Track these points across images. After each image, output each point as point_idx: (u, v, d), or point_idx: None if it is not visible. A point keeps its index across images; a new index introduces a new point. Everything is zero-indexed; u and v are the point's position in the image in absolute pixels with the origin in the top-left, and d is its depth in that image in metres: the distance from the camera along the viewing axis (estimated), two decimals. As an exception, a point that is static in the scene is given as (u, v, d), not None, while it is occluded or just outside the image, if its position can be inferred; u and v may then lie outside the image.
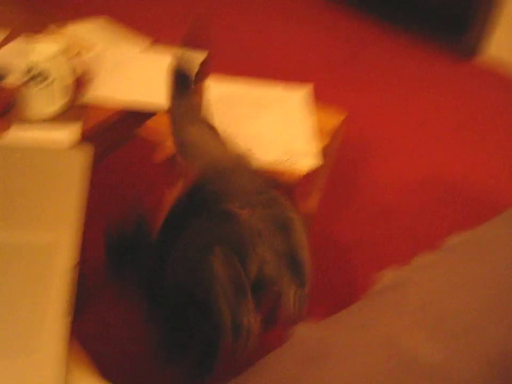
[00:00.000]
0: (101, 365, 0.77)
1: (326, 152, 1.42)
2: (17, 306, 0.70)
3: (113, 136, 1.39)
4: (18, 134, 1.21)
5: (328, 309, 1.68)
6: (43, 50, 1.24)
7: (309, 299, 1.01)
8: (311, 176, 1.37)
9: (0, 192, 0.82)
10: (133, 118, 1.40)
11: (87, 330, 1.54)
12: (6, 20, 1.66)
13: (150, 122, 1.38)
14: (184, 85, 1.23)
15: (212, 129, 1.24)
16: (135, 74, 1.49)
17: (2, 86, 1.38)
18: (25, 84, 1.23)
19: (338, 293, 1.75)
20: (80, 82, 1.39)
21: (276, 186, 1.13)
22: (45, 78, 1.22)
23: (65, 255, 0.75)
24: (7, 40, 1.59)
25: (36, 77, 1.21)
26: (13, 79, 1.41)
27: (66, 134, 1.23)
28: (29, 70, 1.20)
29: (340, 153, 2.11)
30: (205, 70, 1.47)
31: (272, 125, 1.44)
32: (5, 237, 0.75)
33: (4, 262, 0.74)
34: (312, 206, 1.69)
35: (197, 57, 1.38)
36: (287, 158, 1.32)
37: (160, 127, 1.39)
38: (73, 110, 1.31)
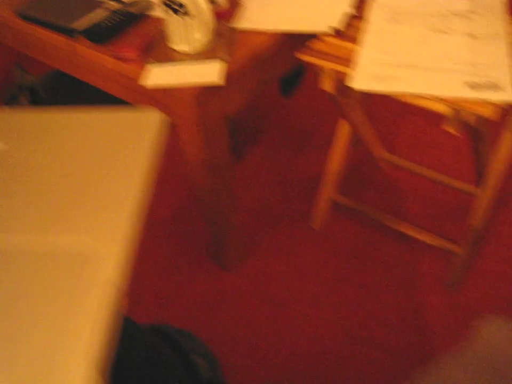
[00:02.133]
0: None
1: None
2: (32, 338, 0.45)
3: (269, 65, 1.20)
4: (160, 70, 1.08)
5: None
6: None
7: None
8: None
9: (44, 170, 0.59)
10: (290, 43, 1.20)
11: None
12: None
13: (309, 44, 1.16)
14: None
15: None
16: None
17: (148, 19, 1.26)
18: (167, 16, 1.08)
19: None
20: (226, 11, 1.21)
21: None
22: (186, 10, 1.06)
23: (108, 272, 0.49)
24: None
25: (177, 8, 1.05)
26: (158, 12, 1.28)
27: (213, 69, 1.06)
28: (169, 1, 1.05)
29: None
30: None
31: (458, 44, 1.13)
32: (37, 239, 0.52)
33: (27, 274, 0.50)
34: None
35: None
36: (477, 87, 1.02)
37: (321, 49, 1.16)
38: (220, 42, 1.13)
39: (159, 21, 1.24)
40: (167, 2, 1.05)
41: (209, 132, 1.12)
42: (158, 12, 1.28)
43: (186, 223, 1.59)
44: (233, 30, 1.16)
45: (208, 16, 1.05)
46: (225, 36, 1.14)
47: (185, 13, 1.06)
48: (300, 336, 1.32)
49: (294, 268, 1.46)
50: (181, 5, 1.05)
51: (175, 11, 1.06)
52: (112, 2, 1.30)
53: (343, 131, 1.39)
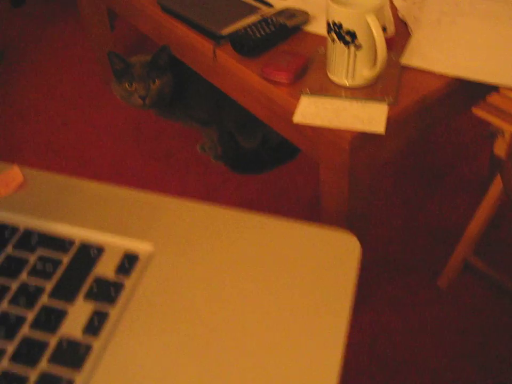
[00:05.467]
0: None
1: None
2: None
3: (435, 113, 1.04)
4: (314, 104, 0.94)
5: None
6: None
7: None
8: None
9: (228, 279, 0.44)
10: (463, 92, 1.03)
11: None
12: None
13: (489, 99, 0.99)
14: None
15: None
16: (469, 31, 1.09)
17: (302, 34, 1.12)
18: (332, 42, 0.94)
19: None
20: (391, 39, 1.05)
21: None
22: (357, 42, 0.91)
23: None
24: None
25: (346, 38, 0.91)
26: (315, 27, 1.14)
27: (378, 115, 0.92)
28: (336, 24, 0.90)
29: None
30: None
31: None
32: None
33: None
34: None
35: None
36: None
37: (502, 106, 0.99)
38: (386, 79, 0.98)
39: (316, 39, 1.11)
40: (336, 28, 0.91)
41: (355, 180, 0.98)
42: (315, 27, 1.14)
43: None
44: (401, 66, 1.01)
45: (381, 50, 0.90)
46: (392, 72, 0.98)
47: (356, 45, 0.91)
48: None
49: (410, 328, 1.31)
50: (352, 35, 0.90)
51: (344, 40, 0.91)
52: (267, 10, 1.18)
53: (495, 191, 1.21)
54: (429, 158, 1.70)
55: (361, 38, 0.91)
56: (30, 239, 0.46)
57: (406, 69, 1.01)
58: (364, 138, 0.92)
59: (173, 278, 0.43)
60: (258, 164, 1.66)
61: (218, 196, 1.60)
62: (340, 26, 0.90)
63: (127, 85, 1.40)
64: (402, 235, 1.48)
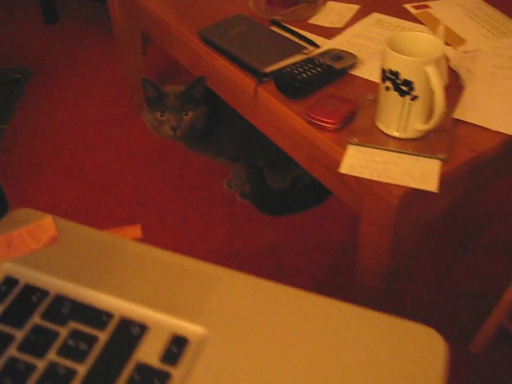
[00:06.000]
0: None
1: None
2: None
3: (488, 172, 0.98)
4: (361, 155, 0.88)
5: None
6: (416, 48, 0.87)
7: None
8: None
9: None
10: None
11: None
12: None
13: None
14: None
15: None
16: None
17: (349, 77, 1.07)
18: (386, 91, 0.88)
19: None
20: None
21: None
22: (414, 94, 0.85)
23: None
24: (355, 19, 1.27)
25: (402, 87, 0.85)
26: (363, 72, 1.09)
27: (430, 172, 0.85)
28: (392, 72, 0.85)
29: None
30: None
31: None
32: None
33: None
34: None
35: None
36: None
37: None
38: (440, 134, 0.92)
39: (363, 84, 1.05)
40: (392, 77, 0.85)
41: (399, 238, 0.91)
42: (363, 71, 1.09)
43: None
44: (454, 120, 0.95)
45: (439, 104, 0.84)
46: (444, 126, 0.92)
47: (412, 96, 0.85)
48: None
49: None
50: (409, 84, 0.85)
51: (399, 90, 0.86)
52: (312, 50, 1.13)
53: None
54: (462, 212, 1.62)
55: (418, 88, 0.85)
56: (61, 308, 0.39)
57: (458, 122, 0.95)
58: (413, 196, 0.86)
59: (228, 368, 0.36)
60: (286, 205, 1.60)
61: (242, 235, 1.54)
62: (397, 75, 0.85)
63: (159, 114, 1.35)
64: (431, 293, 1.40)
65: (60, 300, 0.40)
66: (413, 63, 0.83)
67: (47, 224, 0.44)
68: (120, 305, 0.40)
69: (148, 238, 1.51)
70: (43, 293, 0.40)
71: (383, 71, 0.87)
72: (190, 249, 1.50)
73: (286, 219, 1.58)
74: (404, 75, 0.84)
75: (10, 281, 0.40)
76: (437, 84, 0.83)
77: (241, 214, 1.60)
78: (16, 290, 0.40)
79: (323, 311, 0.39)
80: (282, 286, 0.41)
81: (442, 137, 0.91)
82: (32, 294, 0.40)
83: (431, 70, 0.82)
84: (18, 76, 2.16)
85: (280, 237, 1.53)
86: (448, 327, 1.34)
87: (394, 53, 0.83)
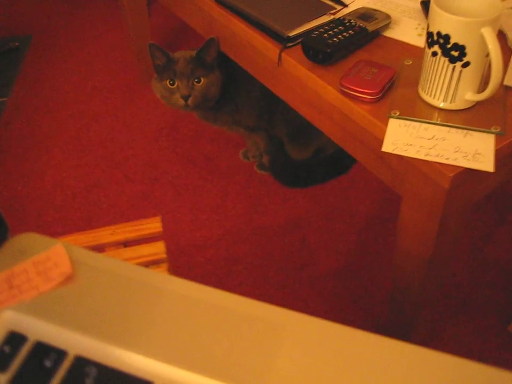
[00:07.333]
0: None
1: None
2: None
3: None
4: (404, 129, 0.79)
5: None
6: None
7: None
8: None
9: None
10: None
11: None
12: None
13: None
14: None
15: None
16: None
17: (382, 39, 0.96)
18: (431, 56, 0.78)
19: None
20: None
21: None
22: (466, 59, 0.75)
23: None
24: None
25: (452, 52, 0.75)
26: (398, 33, 0.98)
27: (485, 149, 0.75)
28: (441, 35, 0.74)
29: None
30: None
31: None
32: None
33: None
34: None
35: None
36: None
37: None
38: (492, 105, 0.82)
39: (399, 47, 0.94)
40: (441, 40, 0.75)
41: (447, 221, 0.82)
42: (398, 33, 0.97)
43: (354, 280, 1.31)
44: (506, 88, 0.85)
45: (496, 71, 0.74)
46: (496, 96, 0.82)
47: (463, 62, 0.75)
48: None
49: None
50: (460, 49, 0.74)
51: (449, 56, 0.75)
52: (340, 9, 1.01)
53: None
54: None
55: (471, 53, 0.74)
56: (83, 375, 0.30)
57: (508, 89, 0.85)
58: (465, 176, 0.76)
59: None
60: (308, 176, 1.50)
61: (262, 210, 1.45)
62: (447, 38, 0.74)
63: (168, 82, 1.24)
64: (469, 269, 1.32)
65: (82, 363, 0.30)
66: (468, 24, 0.72)
67: (58, 255, 0.34)
68: (162, 370, 0.30)
69: (163, 216, 1.42)
70: (60, 353, 0.31)
71: (430, 34, 0.76)
72: (207, 227, 1.41)
73: (308, 191, 1.49)
74: (455, 38, 0.74)
75: (16, 339, 0.31)
76: (495, 48, 0.72)
77: (260, 187, 1.51)
78: (24, 352, 0.30)
79: (398, 356, 0.31)
80: (363, 332, 0.33)
81: (493, 108, 0.81)
82: (45, 356, 0.30)
83: (488, 32, 0.72)
84: (16, 44, 2.04)
85: (303, 211, 1.44)
86: (486, 305, 1.26)
87: (445, 13, 0.73)
